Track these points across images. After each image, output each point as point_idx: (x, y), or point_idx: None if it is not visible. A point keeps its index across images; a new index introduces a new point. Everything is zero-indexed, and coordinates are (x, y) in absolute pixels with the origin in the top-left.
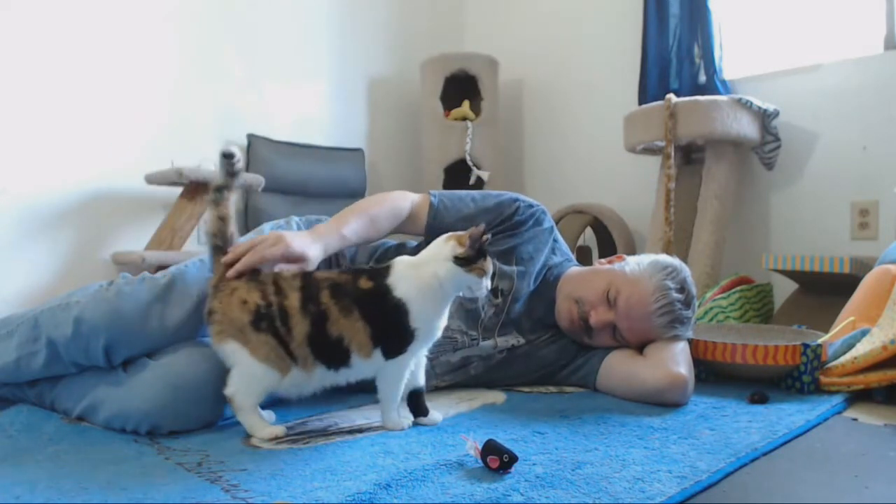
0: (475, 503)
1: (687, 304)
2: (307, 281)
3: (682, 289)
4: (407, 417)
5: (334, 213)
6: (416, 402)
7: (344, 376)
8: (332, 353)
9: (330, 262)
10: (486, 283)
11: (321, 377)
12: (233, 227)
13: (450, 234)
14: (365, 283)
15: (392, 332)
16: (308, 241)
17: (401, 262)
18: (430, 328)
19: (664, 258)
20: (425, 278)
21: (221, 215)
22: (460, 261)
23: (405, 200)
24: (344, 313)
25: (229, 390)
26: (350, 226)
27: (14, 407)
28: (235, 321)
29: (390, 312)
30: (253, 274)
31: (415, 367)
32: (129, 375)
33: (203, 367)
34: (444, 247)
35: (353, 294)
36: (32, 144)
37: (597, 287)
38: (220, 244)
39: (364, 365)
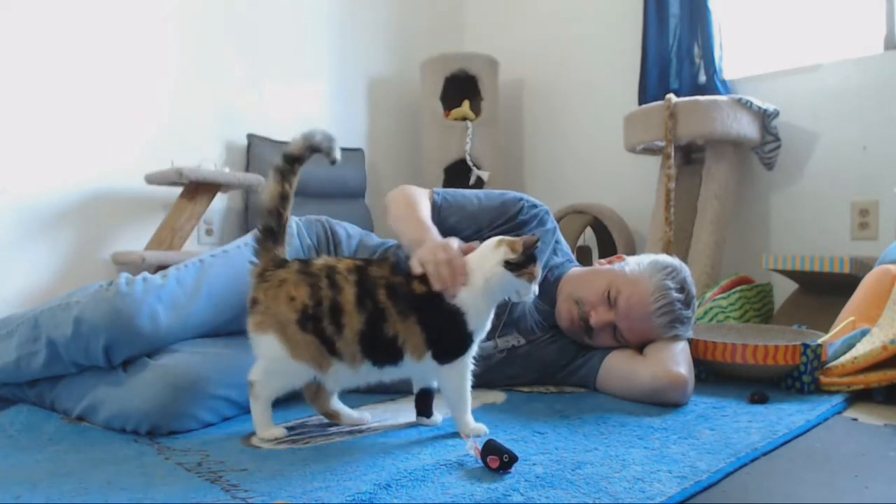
0: (475, 503)
1: (687, 303)
2: (362, 276)
3: (682, 288)
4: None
5: (334, 213)
6: (423, 401)
7: (388, 374)
8: (384, 352)
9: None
10: (535, 287)
11: (366, 373)
12: (289, 211)
13: (500, 238)
14: (419, 287)
15: (449, 337)
16: (449, 242)
17: None
18: (481, 332)
19: (664, 258)
20: (477, 283)
21: (284, 193)
22: (511, 266)
23: (424, 195)
24: (401, 316)
25: (253, 376)
26: (429, 223)
27: (14, 407)
28: (279, 316)
29: (447, 318)
30: (304, 264)
31: None
32: (129, 375)
33: (203, 368)
34: (494, 251)
35: (409, 297)
36: (32, 144)
37: (597, 287)
38: (273, 227)
39: (414, 366)
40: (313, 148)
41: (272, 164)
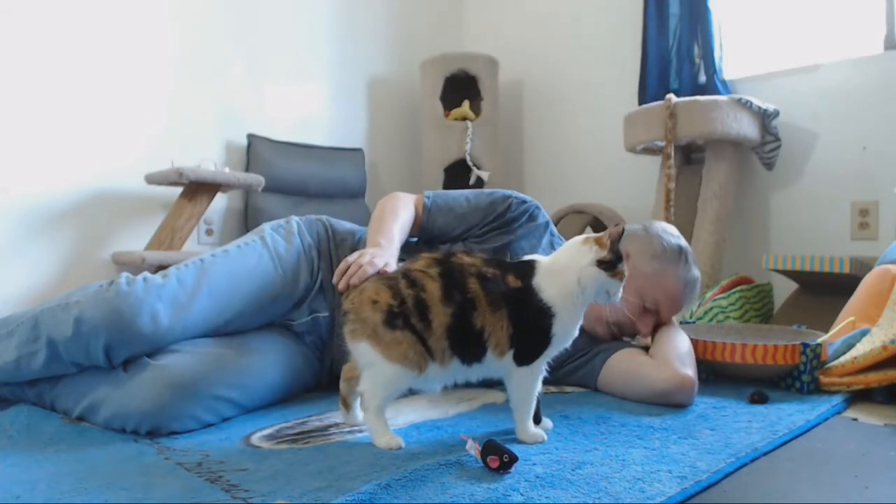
0: (475, 503)
1: (698, 270)
2: (447, 267)
3: (694, 262)
4: (542, 429)
5: (334, 213)
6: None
7: (476, 373)
8: (470, 347)
9: (331, 265)
10: (622, 288)
11: (454, 371)
12: None
13: (586, 236)
14: (513, 281)
15: (533, 336)
16: (386, 255)
17: (542, 264)
18: (566, 336)
19: (666, 243)
20: (569, 284)
21: None
22: (604, 265)
23: (409, 202)
24: (492, 308)
25: (361, 387)
26: (394, 233)
27: (14, 407)
28: (368, 321)
29: (535, 316)
30: (377, 274)
31: None
32: (130, 375)
33: (203, 368)
34: (582, 250)
35: (503, 290)
36: (33, 144)
37: (631, 305)
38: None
39: (495, 364)
40: None
41: None
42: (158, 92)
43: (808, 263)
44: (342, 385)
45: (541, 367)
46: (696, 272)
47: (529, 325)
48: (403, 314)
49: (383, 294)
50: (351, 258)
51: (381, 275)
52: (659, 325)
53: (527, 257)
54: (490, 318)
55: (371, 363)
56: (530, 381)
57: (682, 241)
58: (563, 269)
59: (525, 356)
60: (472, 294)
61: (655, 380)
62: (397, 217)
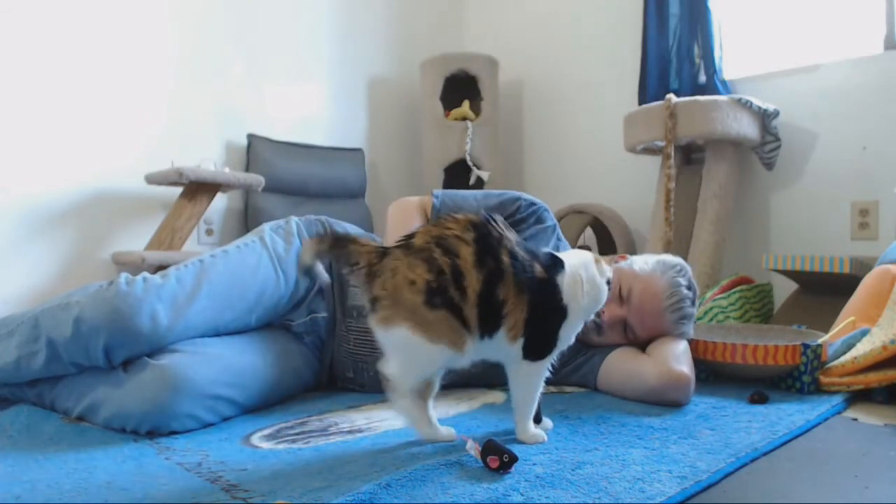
0: (475, 503)
1: (693, 301)
2: (482, 232)
3: (690, 286)
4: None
5: (334, 213)
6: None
7: (486, 350)
8: (490, 318)
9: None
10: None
11: (476, 346)
12: None
13: (594, 255)
14: (540, 272)
15: (544, 331)
16: None
17: (569, 265)
18: (566, 341)
19: (669, 257)
20: (586, 294)
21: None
22: (609, 284)
23: (417, 212)
24: (517, 288)
25: (388, 370)
26: None
27: (14, 407)
28: (407, 303)
29: (551, 312)
30: (407, 246)
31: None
32: (129, 375)
33: (203, 368)
34: (598, 269)
35: (529, 275)
36: (33, 144)
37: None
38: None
39: (505, 348)
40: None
41: None
42: (158, 92)
43: (808, 263)
44: (415, 402)
45: (545, 367)
46: (685, 289)
47: (543, 319)
48: (442, 287)
49: (419, 270)
50: None
51: (410, 248)
52: (635, 340)
53: (556, 253)
54: (513, 296)
55: (408, 347)
56: (535, 380)
57: (688, 269)
58: (585, 279)
59: (532, 350)
60: (503, 265)
61: (651, 376)
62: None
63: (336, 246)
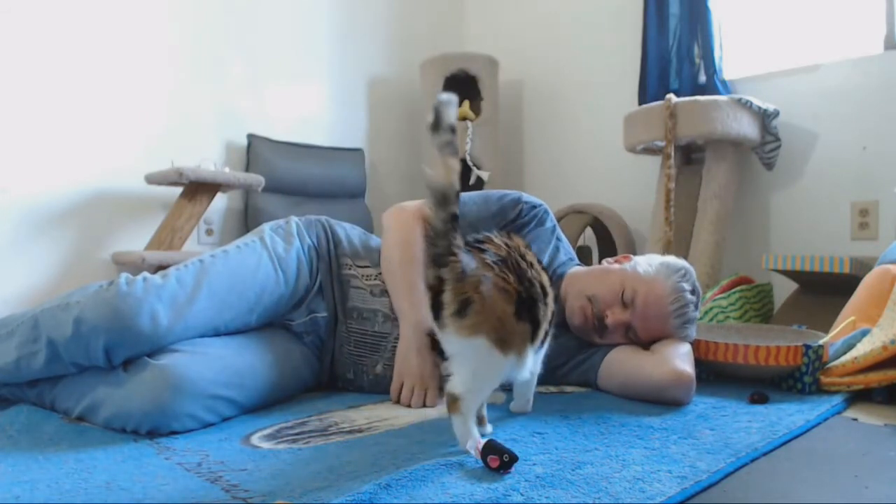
0: (475, 503)
1: (697, 305)
2: (514, 256)
3: (694, 290)
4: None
5: (334, 213)
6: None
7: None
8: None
9: (330, 266)
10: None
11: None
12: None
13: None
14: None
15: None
16: (420, 350)
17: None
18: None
19: (673, 260)
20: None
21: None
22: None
23: (416, 221)
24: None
25: (457, 389)
26: (418, 284)
27: (14, 407)
28: (498, 312)
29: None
30: (479, 250)
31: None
32: (130, 375)
33: (203, 368)
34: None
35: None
36: (33, 144)
37: (611, 286)
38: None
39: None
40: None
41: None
42: (158, 92)
43: (808, 263)
44: (470, 418)
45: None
46: (689, 294)
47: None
48: (531, 299)
49: (510, 277)
50: (402, 396)
51: (479, 255)
52: (639, 340)
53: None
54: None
55: (483, 360)
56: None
57: (692, 273)
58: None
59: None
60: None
61: (653, 374)
62: (413, 259)
63: (452, 220)
